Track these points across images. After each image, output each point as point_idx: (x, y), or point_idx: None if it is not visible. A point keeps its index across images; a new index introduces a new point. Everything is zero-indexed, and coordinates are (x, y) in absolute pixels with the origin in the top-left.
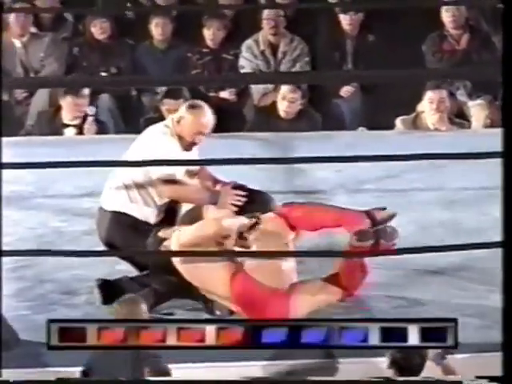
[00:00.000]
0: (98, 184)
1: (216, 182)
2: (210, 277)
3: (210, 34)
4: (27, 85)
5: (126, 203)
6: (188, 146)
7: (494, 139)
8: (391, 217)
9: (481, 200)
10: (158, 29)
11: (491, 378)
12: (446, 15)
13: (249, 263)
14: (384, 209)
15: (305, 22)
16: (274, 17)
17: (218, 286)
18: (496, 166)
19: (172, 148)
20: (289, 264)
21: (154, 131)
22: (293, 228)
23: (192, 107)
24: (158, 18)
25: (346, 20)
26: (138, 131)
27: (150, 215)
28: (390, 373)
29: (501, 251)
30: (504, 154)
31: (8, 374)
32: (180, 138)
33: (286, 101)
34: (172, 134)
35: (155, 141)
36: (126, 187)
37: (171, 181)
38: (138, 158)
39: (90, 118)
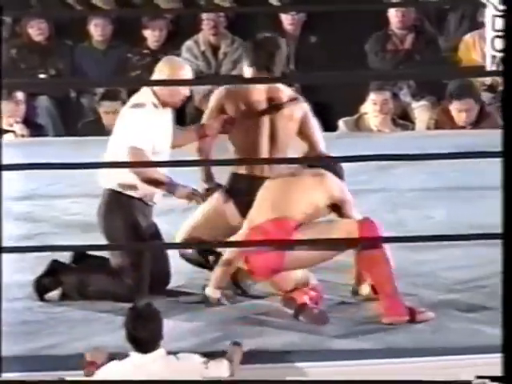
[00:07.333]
0: (38, 187)
1: None
2: None
3: (151, 34)
4: None
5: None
6: (172, 104)
7: (437, 141)
8: None
9: (425, 202)
10: (97, 29)
11: (492, 378)
12: (395, 15)
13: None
14: None
15: (245, 22)
16: (214, 17)
17: None
18: (440, 166)
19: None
20: None
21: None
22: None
23: (167, 60)
24: (97, 18)
25: (287, 20)
26: (77, 134)
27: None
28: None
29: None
30: (503, 154)
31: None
32: (162, 97)
33: None
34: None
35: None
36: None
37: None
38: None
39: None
